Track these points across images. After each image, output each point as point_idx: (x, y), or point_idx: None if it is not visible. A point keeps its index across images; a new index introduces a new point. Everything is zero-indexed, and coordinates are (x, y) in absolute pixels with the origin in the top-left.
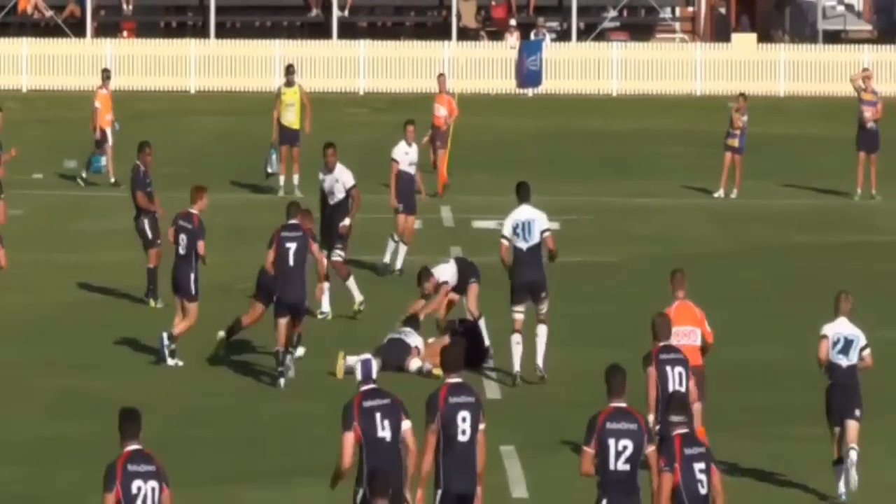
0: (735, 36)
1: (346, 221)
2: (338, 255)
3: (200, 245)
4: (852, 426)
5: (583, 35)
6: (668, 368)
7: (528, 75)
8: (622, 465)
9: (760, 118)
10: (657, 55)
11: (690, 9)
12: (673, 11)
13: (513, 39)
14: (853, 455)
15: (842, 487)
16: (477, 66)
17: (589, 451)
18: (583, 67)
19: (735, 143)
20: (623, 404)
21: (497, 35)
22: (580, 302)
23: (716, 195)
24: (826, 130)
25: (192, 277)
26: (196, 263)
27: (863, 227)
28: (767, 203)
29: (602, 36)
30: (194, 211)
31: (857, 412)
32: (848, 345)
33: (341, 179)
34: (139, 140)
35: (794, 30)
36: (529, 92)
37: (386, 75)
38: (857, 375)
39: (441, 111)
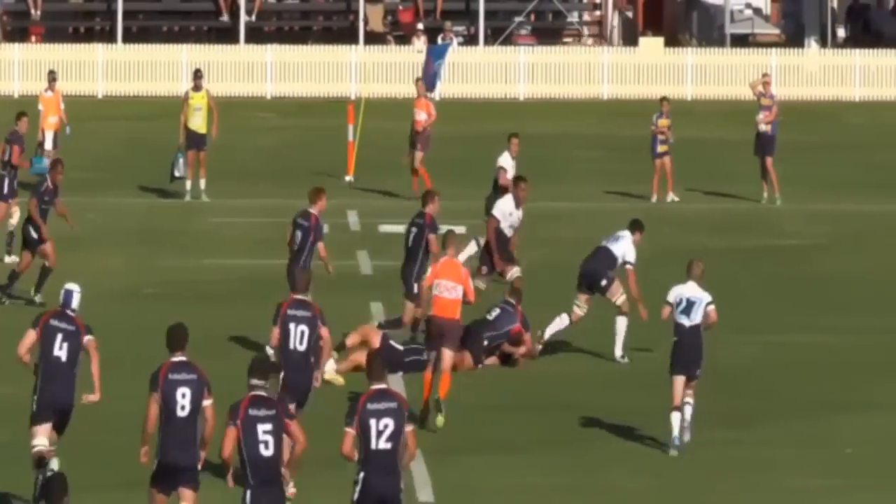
0: (642, 40)
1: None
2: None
3: (320, 247)
4: (690, 384)
5: (490, 39)
6: (293, 326)
7: (433, 78)
8: (383, 444)
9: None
10: (564, 59)
11: (598, 13)
12: (580, 16)
13: (420, 43)
14: (688, 408)
15: (676, 432)
16: (384, 71)
17: (350, 431)
18: (490, 72)
19: (665, 147)
20: (383, 385)
21: (404, 39)
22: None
23: (652, 200)
24: (734, 134)
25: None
26: (309, 261)
27: (769, 231)
28: (677, 207)
29: (509, 40)
30: (314, 211)
31: (698, 371)
32: (690, 306)
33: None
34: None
35: (702, 34)
36: (437, 96)
37: (293, 80)
38: (701, 335)
39: (421, 115)
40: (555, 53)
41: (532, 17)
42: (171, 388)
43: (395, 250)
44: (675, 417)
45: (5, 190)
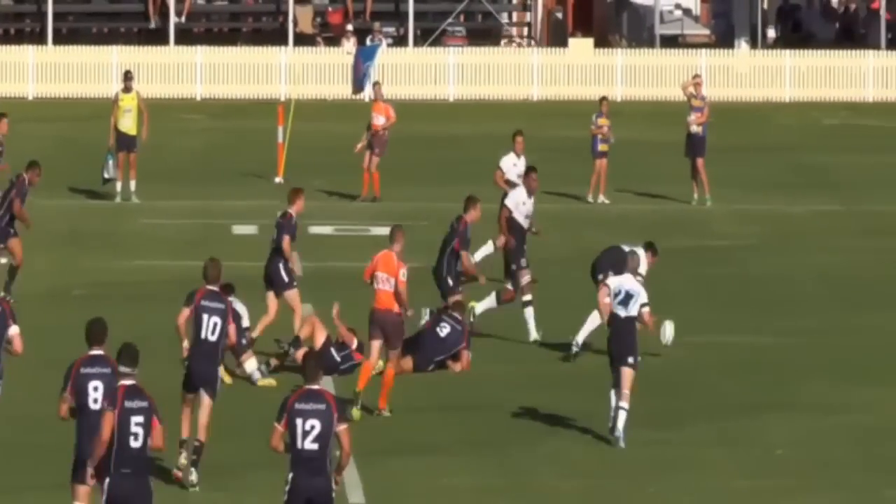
0: (572, 41)
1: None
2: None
3: (285, 240)
4: (626, 373)
5: (420, 40)
6: (206, 316)
7: (363, 80)
8: (309, 444)
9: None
10: (494, 60)
11: (527, 14)
12: (510, 17)
13: (349, 45)
14: (623, 401)
15: (618, 433)
16: (314, 72)
17: (279, 428)
18: (420, 73)
19: (605, 147)
20: (315, 386)
21: (334, 41)
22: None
23: (590, 200)
24: (664, 135)
25: (280, 269)
26: (283, 256)
27: (699, 232)
28: (606, 208)
29: (439, 41)
30: (291, 212)
31: (630, 359)
32: (628, 298)
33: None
34: None
35: (632, 34)
36: (366, 97)
37: (223, 81)
38: (635, 327)
39: (380, 119)
40: (484, 54)
41: (462, 17)
42: (83, 382)
43: (326, 251)
44: (615, 411)
45: None
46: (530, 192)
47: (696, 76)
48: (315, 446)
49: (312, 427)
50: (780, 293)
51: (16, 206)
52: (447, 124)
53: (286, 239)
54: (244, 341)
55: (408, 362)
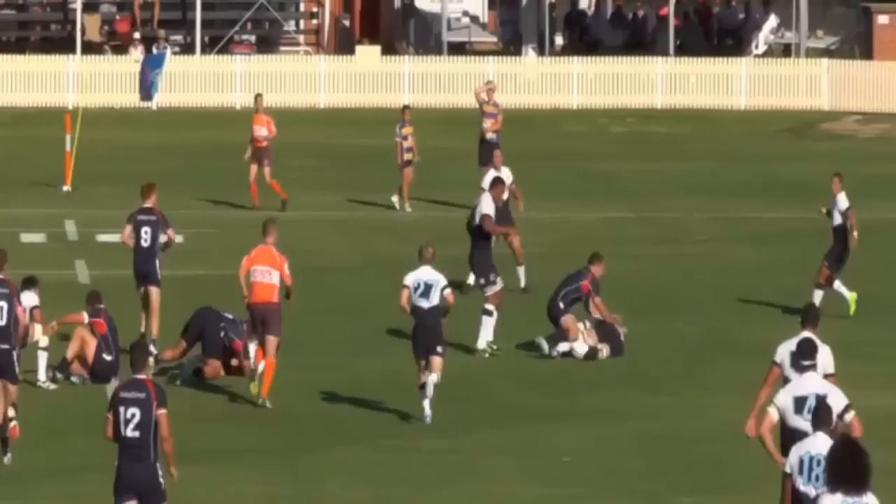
0: (359, 48)
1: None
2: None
3: (170, 232)
4: (435, 361)
5: (207, 48)
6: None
7: (151, 88)
8: (131, 432)
9: (384, 130)
10: (281, 68)
11: (315, 21)
12: (297, 24)
13: (137, 53)
14: (430, 386)
15: (427, 409)
16: (101, 80)
17: (110, 417)
18: (207, 80)
19: (410, 156)
20: (141, 376)
21: (122, 49)
22: None
23: (398, 207)
24: (452, 142)
25: (157, 265)
26: (159, 253)
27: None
28: (393, 216)
29: (226, 49)
30: (150, 205)
31: (439, 348)
32: (428, 289)
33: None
34: None
35: (419, 42)
36: (154, 105)
37: (10, 90)
38: (439, 316)
39: (262, 132)
40: (271, 62)
41: (249, 25)
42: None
43: (113, 259)
44: (423, 395)
45: None
46: (496, 203)
47: (489, 82)
48: (137, 434)
49: (133, 415)
50: None
51: None
52: (234, 132)
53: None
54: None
55: (215, 366)
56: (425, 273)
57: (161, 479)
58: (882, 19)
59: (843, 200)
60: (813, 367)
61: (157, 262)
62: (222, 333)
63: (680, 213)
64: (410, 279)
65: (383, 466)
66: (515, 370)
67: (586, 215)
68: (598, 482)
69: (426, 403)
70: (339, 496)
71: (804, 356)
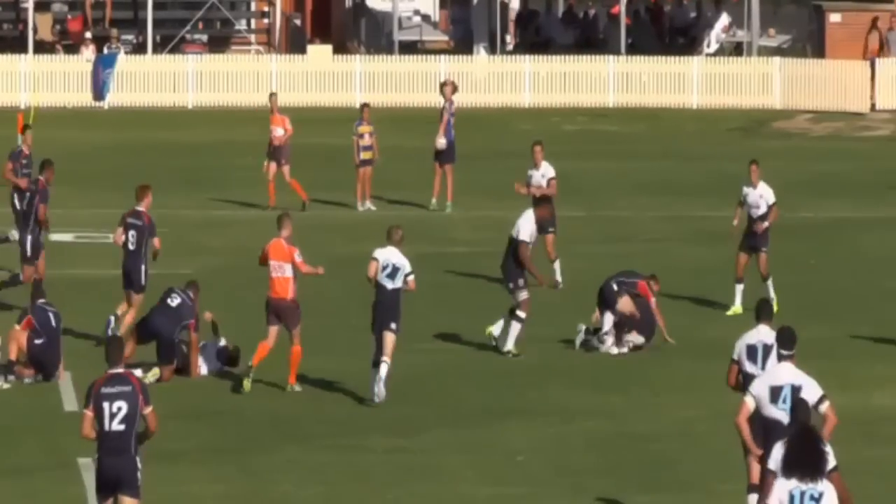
0: (311, 48)
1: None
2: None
3: (156, 241)
4: (388, 337)
5: (159, 48)
6: None
7: (103, 88)
8: (117, 426)
9: (338, 129)
10: (233, 67)
11: (266, 21)
12: (249, 24)
13: (89, 52)
14: (384, 367)
15: (376, 388)
16: (54, 80)
17: (88, 414)
18: (159, 80)
19: (369, 155)
20: (119, 370)
21: (73, 48)
22: None
23: (364, 208)
24: (404, 141)
25: (143, 271)
26: (146, 258)
27: (438, 239)
28: (344, 214)
29: (178, 49)
30: (142, 209)
31: (393, 325)
32: (395, 271)
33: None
34: None
35: (371, 41)
36: (106, 105)
37: None
38: (399, 298)
39: (278, 131)
40: (223, 62)
41: (200, 25)
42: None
43: (64, 258)
44: (373, 373)
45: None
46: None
47: (449, 81)
48: (122, 427)
49: (120, 409)
50: None
51: (41, 211)
52: (187, 131)
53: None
54: None
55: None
56: (394, 255)
57: (139, 474)
58: (834, 17)
59: (769, 191)
60: (791, 357)
61: (143, 266)
62: (177, 340)
63: (631, 211)
64: (380, 255)
65: (336, 465)
66: (468, 369)
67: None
68: (550, 481)
69: (379, 383)
70: (294, 495)
71: (784, 345)
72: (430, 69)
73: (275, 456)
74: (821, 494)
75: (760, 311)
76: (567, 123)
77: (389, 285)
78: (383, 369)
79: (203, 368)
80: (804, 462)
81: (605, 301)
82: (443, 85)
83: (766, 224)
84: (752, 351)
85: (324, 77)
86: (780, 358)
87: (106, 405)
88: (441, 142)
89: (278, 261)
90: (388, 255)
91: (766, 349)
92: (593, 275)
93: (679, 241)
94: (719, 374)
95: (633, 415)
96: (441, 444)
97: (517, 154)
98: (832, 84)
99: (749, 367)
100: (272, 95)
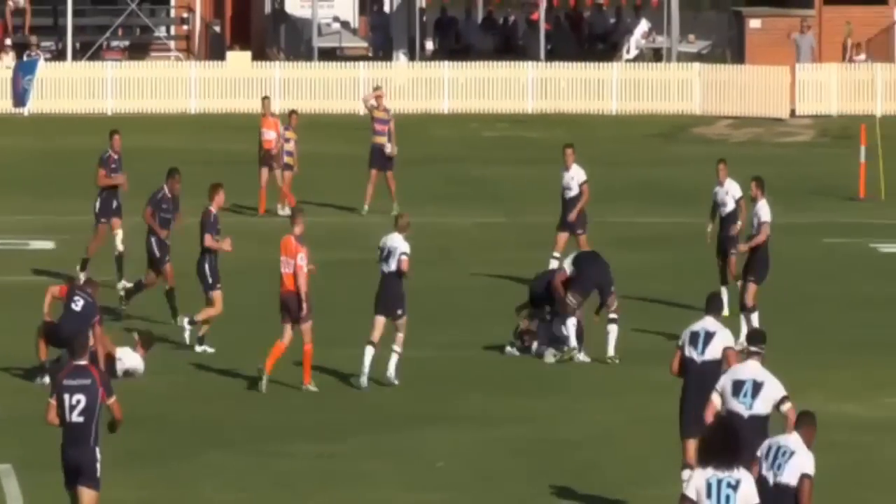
0: (230, 54)
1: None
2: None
3: (207, 238)
4: (396, 325)
5: (79, 54)
6: None
7: (23, 95)
8: (76, 417)
9: (256, 135)
10: (152, 74)
11: (185, 27)
12: (168, 30)
13: (8, 59)
14: (394, 357)
15: (365, 369)
16: None
17: (52, 402)
18: (78, 87)
19: (291, 160)
20: (83, 362)
21: None
22: None
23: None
24: (323, 147)
25: (206, 269)
26: (209, 255)
27: (362, 245)
28: (265, 220)
29: (98, 55)
30: (212, 209)
31: (398, 311)
32: (389, 254)
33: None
34: None
35: (290, 48)
36: (26, 111)
37: None
38: (396, 282)
39: (270, 135)
40: (142, 68)
41: (120, 31)
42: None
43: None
44: (368, 352)
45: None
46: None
47: (377, 88)
48: (81, 419)
49: (79, 401)
50: (436, 306)
51: (178, 218)
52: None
53: (208, 236)
54: None
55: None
56: (391, 239)
57: (98, 465)
58: (754, 23)
59: (734, 186)
60: (759, 354)
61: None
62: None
63: (552, 217)
64: (381, 241)
65: (258, 471)
66: (382, 375)
67: (459, 220)
68: (473, 486)
69: (391, 367)
70: (215, 500)
71: (753, 342)
72: (349, 76)
73: (197, 462)
74: (738, 482)
75: (710, 304)
76: (486, 130)
77: (385, 269)
78: (393, 359)
79: (128, 362)
80: (719, 450)
81: (544, 298)
82: (379, 95)
83: (737, 226)
84: (694, 337)
85: (243, 84)
86: (748, 355)
87: (66, 397)
88: (394, 149)
89: (286, 256)
90: (387, 239)
91: (708, 336)
92: (515, 281)
93: (601, 247)
94: (640, 379)
95: (554, 420)
96: (364, 449)
97: (437, 160)
98: (752, 89)
99: (689, 352)
100: (265, 99)
